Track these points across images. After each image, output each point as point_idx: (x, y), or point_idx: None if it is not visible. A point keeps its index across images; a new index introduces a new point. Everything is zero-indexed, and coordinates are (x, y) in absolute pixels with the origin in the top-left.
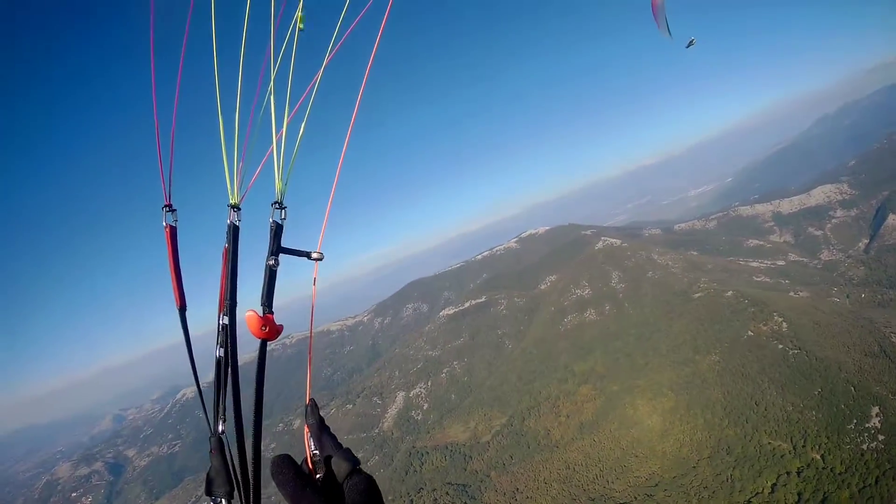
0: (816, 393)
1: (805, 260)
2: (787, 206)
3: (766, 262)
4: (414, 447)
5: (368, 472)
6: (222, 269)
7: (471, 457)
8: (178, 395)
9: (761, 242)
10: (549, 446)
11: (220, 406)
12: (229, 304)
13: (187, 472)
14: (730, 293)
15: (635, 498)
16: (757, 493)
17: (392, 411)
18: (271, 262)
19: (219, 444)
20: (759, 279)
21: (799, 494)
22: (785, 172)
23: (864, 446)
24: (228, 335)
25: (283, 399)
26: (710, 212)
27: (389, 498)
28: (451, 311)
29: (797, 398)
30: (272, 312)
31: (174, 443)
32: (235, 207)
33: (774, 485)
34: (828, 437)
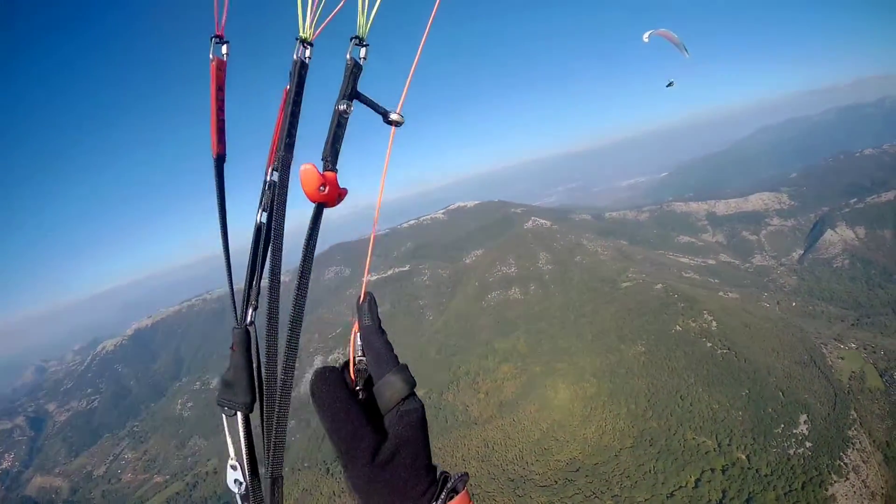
0: (744, 394)
1: (737, 262)
2: (723, 207)
3: (696, 259)
4: None
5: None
6: (279, 115)
7: None
8: (98, 348)
9: (692, 239)
10: (468, 423)
11: (254, 289)
12: (282, 156)
13: (105, 430)
14: (659, 286)
15: (556, 482)
16: (680, 487)
17: (309, 375)
18: (342, 108)
19: (244, 339)
20: (687, 275)
21: (723, 492)
22: (722, 175)
23: (791, 451)
24: (276, 195)
25: (202, 355)
26: (642, 203)
27: (305, 465)
28: (374, 278)
29: (724, 397)
30: (336, 170)
31: (93, 398)
32: (306, 43)
33: (698, 480)
34: (754, 439)
